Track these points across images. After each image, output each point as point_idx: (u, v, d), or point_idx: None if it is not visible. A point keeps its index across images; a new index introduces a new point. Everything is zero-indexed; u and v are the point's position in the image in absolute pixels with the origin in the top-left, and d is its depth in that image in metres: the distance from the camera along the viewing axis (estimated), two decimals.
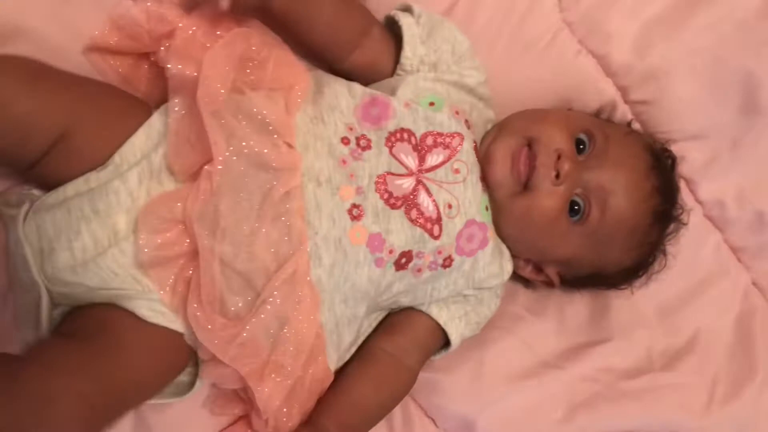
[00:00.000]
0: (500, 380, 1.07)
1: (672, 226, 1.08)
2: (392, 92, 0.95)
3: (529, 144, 0.95)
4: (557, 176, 0.94)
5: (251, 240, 0.83)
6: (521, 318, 1.11)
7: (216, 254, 0.81)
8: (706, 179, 1.14)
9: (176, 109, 0.85)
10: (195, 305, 0.82)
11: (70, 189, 0.84)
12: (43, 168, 0.83)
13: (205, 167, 0.82)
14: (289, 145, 0.86)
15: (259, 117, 0.84)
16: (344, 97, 0.92)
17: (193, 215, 0.81)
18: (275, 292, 0.83)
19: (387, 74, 0.98)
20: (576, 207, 0.97)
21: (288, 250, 0.84)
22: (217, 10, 0.81)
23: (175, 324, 0.85)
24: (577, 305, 1.14)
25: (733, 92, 1.11)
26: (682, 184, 1.15)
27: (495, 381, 1.07)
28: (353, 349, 0.98)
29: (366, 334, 0.99)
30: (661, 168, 1.02)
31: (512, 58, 1.09)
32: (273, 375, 0.86)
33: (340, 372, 0.96)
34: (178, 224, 0.83)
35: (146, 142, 0.86)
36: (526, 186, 0.95)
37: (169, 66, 0.83)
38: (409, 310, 1.00)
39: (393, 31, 0.99)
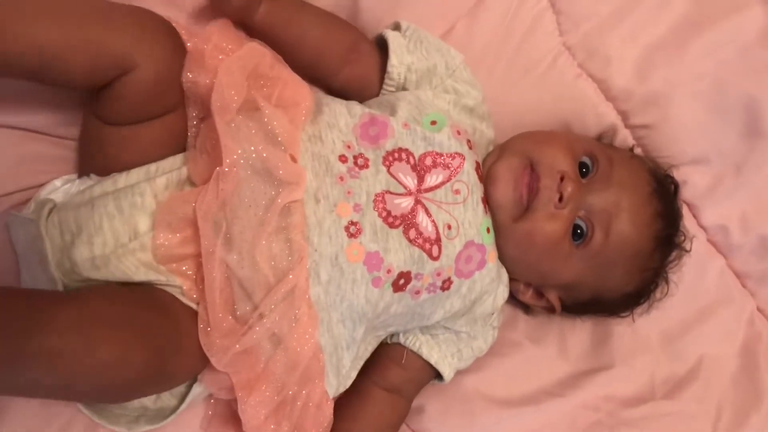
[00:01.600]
0: (496, 405, 1.05)
1: (674, 253, 1.07)
2: (392, 111, 0.94)
3: (532, 165, 0.95)
4: (560, 199, 0.93)
5: (253, 249, 0.82)
6: (520, 345, 1.09)
7: (219, 256, 0.81)
8: (709, 204, 1.13)
9: (194, 122, 0.87)
10: (203, 305, 0.83)
11: (97, 189, 0.85)
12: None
13: (216, 168, 0.82)
14: (294, 159, 0.86)
15: (269, 128, 0.85)
16: (343, 116, 0.92)
17: (199, 213, 0.81)
18: (273, 307, 0.83)
19: (378, 88, 0.99)
20: (579, 231, 0.96)
21: (287, 265, 0.84)
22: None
23: None
24: (579, 332, 1.12)
25: (735, 117, 1.10)
26: (685, 210, 1.14)
27: (490, 406, 1.05)
28: (353, 374, 0.96)
29: (364, 359, 0.98)
30: (664, 193, 1.02)
31: (511, 82, 1.08)
32: (263, 387, 0.85)
33: (338, 415, 0.95)
34: (195, 223, 0.83)
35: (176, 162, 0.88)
36: (528, 208, 0.94)
37: (183, 76, 0.84)
38: (398, 347, 1.00)
39: (383, 48, 0.99)
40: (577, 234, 0.96)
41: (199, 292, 0.84)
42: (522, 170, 0.94)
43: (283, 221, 0.84)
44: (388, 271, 0.88)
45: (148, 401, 0.92)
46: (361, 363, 0.97)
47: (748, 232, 1.13)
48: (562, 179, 0.93)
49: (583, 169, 0.97)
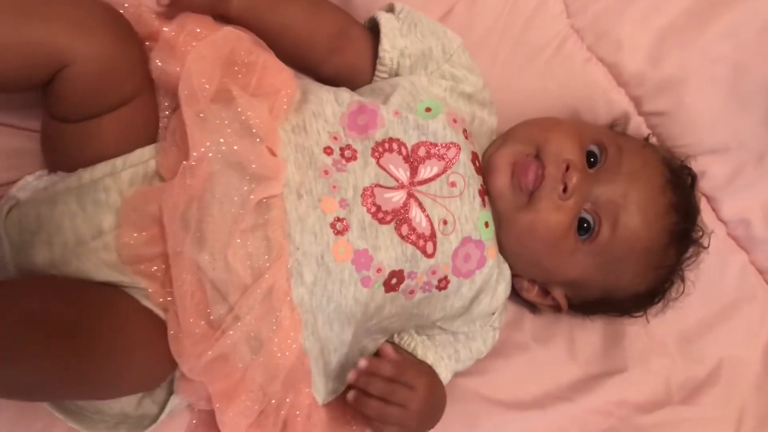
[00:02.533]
0: (499, 409, 1.00)
1: (691, 250, 1.01)
2: (385, 99, 0.89)
3: (537, 153, 0.89)
4: (564, 189, 0.87)
5: (226, 248, 0.77)
6: (526, 347, 1.04)
7: (189, 257, 0.76)
8: (729, 196, 1.08)
9: (166, 113, 0.82)
10: (173, 309, 0.78)
11: (60, 185, 0.80)
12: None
13: (183, 163, 0.77)
14: (272, 152, 0.81)
15: (243, 118, 0.80)
16: (330, 104, 0.87)
17: (165, 210, 0.76)
18: (250, 310, 0.78)
19: (370, 75, 0.94)
20: (585, 224, 0.91)
21: (265, 264, 0.79)
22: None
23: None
24: (589, 333, 1.07)
25: (756, 102, 1.04)
26: (703, 202, 1.08)
27: (493, 410, 1.00)
28: (345, 383, 0.90)
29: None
30: (678, 184, 0.96)
31: (515, 68, 1.04)
32: (243, 397, 0.80)
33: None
34: (160, 223, 0.79)
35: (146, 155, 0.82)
36: (531, 198, 0.89)
37: (152, 64, 0.80)
38: (395, 347, 0.94)
39: (375, 32, 0.93)
40: (583, 228, 0.91)
41: (168, 296, 0.79)
42: (524, 157, 0.89)
43: (260, 218, 0.79)
44: (379, 270, 0.83)
45: (130, 408, 0.87)
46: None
47: None
48: (567, 168, 0.88)
49: (591, 159, 0.92)
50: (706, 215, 1.06)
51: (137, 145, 0.81)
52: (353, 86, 0.94)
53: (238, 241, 0.78)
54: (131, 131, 0.81)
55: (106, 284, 0.79)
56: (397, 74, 0.93)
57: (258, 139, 0.80)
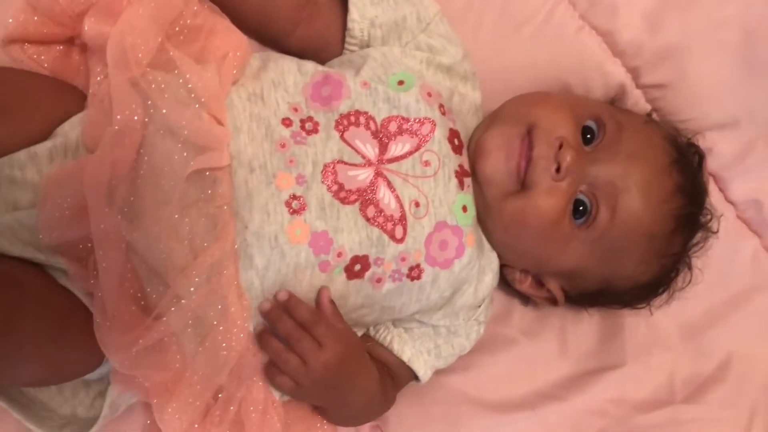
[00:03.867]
0: (485, 410, 0.95)
1: (699, 235, 0.93)
2: (356, 71, 0.84)
3: (528, 132, 0.82)
4: (558, 170, 0.80)
5: (162, 225, 0.71)
6: (514, 341, 0.98)
7: (117, 235, 0.70)
8: (739, 175, 1.01)
9: (97, 78, 0.76)
10: (99, 295, 0.71)
11: None
12: None
13: (107, 129, 0.70)
14: (218, 121, 0.75)
15: (182, 81, 0.74)
16: (292, 74, 0.81)
17: (86, 184, 0.70)
18: (190, 293, 0.72)
19: (340, 48, 0.88)
20: (581, 207, 0.83)
21: (207, 243, 0.73)
22: None
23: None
24: (584, 325, 1.00)
25: (766, 70, 0.96)
26: (710, 182, 1.01)
27: (478, 410, 0.95)
28: None
29: None
30: (685, 164, 0.88)
31: (501, 39, 0.97)
32: (184, 391, 0.74)
33: None
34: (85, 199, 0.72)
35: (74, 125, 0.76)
36: (523, 183, 0.82)
37: (85, 24, 0.74)
38: (370, 341, 0.89)
39: (344, 1, 0.87)
40: (579, 212, 0.83)
41: (92, 278, 0.72)
42: (516, 138, 0.82)
43: (203, 192, 0.72)
44: (339, 255, 0.77)
45: (82, 409, 0.83)
46: None
47: None
48: (560, 147, 0.80)
49: (588, 135, 0.85)
50: (713, 196, 1.00)
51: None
52: (321, 60, 0.88)
53: (176, 217, 0.71)
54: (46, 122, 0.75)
55: (18, 259, 0.73)
56: (367, 46, 0.87)
57: (197, 105, 0.73)
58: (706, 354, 1.00)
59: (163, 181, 0.71)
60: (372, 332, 0.89)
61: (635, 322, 0.99)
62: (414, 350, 0.88)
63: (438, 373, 0.91)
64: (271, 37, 0.88)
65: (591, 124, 0.85)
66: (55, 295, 0.73)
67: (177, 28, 0.76)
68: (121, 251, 0.70)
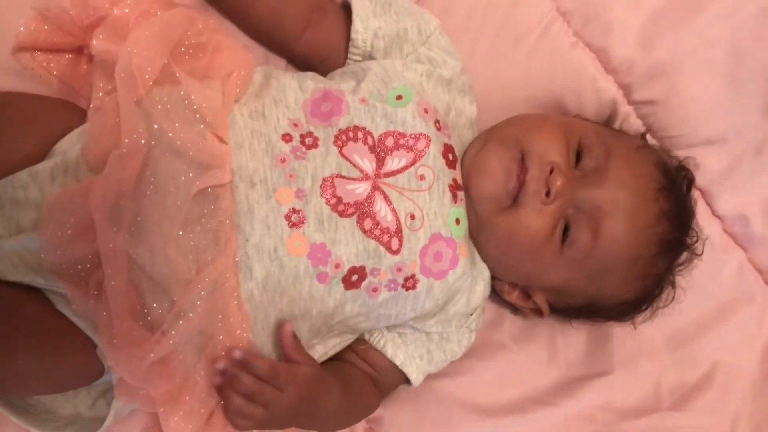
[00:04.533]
0: (476, 414, 0.96)
1: (684, 256, 0.96)
2: (357, 84, 0.85)
3: (521, 155, 0.85)
4: (547, 193, 0.83)
5: (167, 241, 0.73)
6: (505, 347, 1.00)
7: (122, 252, 0.72)
8: (726, 190, 1.02)
9: (99, 94, 0.78)
10: (104, 314, 0.73)
11: None
12: None
13: (114, 152, 0.72)
14: (220, 139, 0.77)
15: (187, 102, 0.76)
16: (293, 91, 0.83)
17: (93, 204, 0.71)
18: (194, 306, 0.73)
19: (344, 57, 0.89)
20: (569, 229, 0.86)
21: (210, 257, 0.75)
22: None
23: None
24: (573, 333, 1.01)
25: (754, 90, 0.98)
26: (698, 197, 1.03)
27: (469, 414, 0.96)
28: None
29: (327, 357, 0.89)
30: (673, 190, 0.90)
31: (498, 54, 0.98)
32: (187, 399, 0.76)
33: None
34: (88, 219, 0.73)
35: (72, 142, 0.78)
36: (513, 202, 0.84)
37: (93, 43, 0.76)
38: (364, 344, 0.90)
39: (349, 13, 0.89)
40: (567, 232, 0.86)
41: (92, 298, 0.74)
42: (511, 162, 0.85)
43: (206, 208, 0.74)
44: (337, 266, 0.79)
45: (83, 408, 0.85)
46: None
47: None
48: (551, 171, 0.83)
49: (579, 159, 0.87)
50: (700, 211, 1.02)
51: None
52: (325, 68, 0.90)
53: (181, 233, 0.73)
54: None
55: (15, 285, 0.75)
56: (371, 57, 0.89)
57: (202, 125, 0.75)
58: (692, 363, 1.02)
59: (169, 199, 0.73)
60: (366, 336, 0.91)
61: (623, 332, 1.00)
62: (407, 355, 0.90)
63: (431, 377, 0.92)
64: (278, 40, 0.90)
65: (582, 148, 0.86)
66: (51, 318, 0.75)
67: (182, 48, 0.78)
68: (125, 269, 0.72)
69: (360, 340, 0.91)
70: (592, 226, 0.85)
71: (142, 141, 0.72)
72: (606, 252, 0.86)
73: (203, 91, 0.76)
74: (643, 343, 1.01)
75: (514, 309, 1.00)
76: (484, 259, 0.89)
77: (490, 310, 0.99)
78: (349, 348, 0.91)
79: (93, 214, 0.71)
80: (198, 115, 0.75)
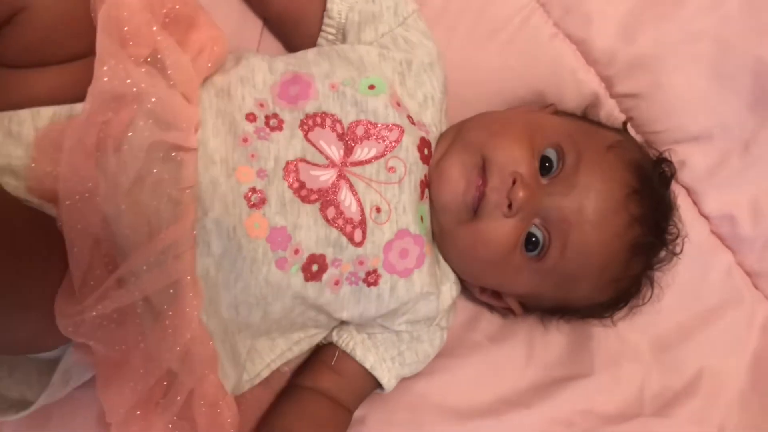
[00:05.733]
0: (448, 416, 0.92)
1: (664, 254, 0.93)
2: (330, 70, 0.83)
3: (484, 164, 0.81)
4: (510, 206, 0.79)
5: (129, 198, 0.70)
6: (479, 346, 0.96)
7: (93, 201, 0.69)
8: (713, 189, 0.99)
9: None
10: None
11: None
12: None
13: (89, 88, 0.70)
14: (188, 100, 0.74)
15: (160, 57, 0.73)
16: (262, 72, 0.81)
17: (66, 143, 0.69)
18: (143, 271, 0.70)
19: (317, 27, 0.88)
20: (534, 238, 0.82)
21: (168, 223, 0.71)
22: None
23: None
24: (552, 332, 0.98)
25: (741, 83, 0.95)
26: (683, 195, 1.00)
27: (441, 416, 0.92)
28: (263, 372, 0.83)
29: (286, 359, 0.85)
30: (646, 193, 0.85)
31: (475, 45, 0.96)
32: (129, 374, 0.72)
33: (271, 413, 0.87)
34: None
35: None
36: (474, 214, 0.81)
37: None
38: (332, 347, 0.88)
39: None
40: (533, 243, 0.82)
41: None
42: (472, 169, 0.81)
43: (167, 172, 0.71)
44: (296, 252, 0.76)
45: (30, 394, 0.79)
46: (279, 364, 0.85)
47: (760, 222, 0.98)
48: (514, 182, 0.80)
49: (546, 164, 0.83)
50: (686, 210, 0.98)
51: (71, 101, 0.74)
52: (299, 39, 0.89)
53: (144, 194, 0.70)
54: (70, 88, 0.74)
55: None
56: (344, 32, 0.87)
57: (173, 84, 0.73)
58: (677, 368, 0.98)
59: (135, 151, 0.70)
60: (335, 338, 0.88)
61: (604, 333, 0.97)
62: (377, 357, 0.86)
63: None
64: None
65: (550, 153, 0.83)
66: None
67: (164, 11, 0.76)
68: (99, 215, 0.69)
69: (330, 345, 0.88)
70: (558, 237, 0.81)
71: (128, 81, 0.70)
72: (574, 262, 0.83)
73: (179, 53, 0.74)
74: (627, 345, 0.97)
75: (491, 306, 0.97)
76: (450, 267, 0.87)
77: (466, 307, 0.96)
78: (317, 358, 0.88)
79: (66, 154, 0.69)
80: (170, 72, 0.73)
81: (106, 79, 0.70)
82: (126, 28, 0.72)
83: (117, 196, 0.69)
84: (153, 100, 0.71)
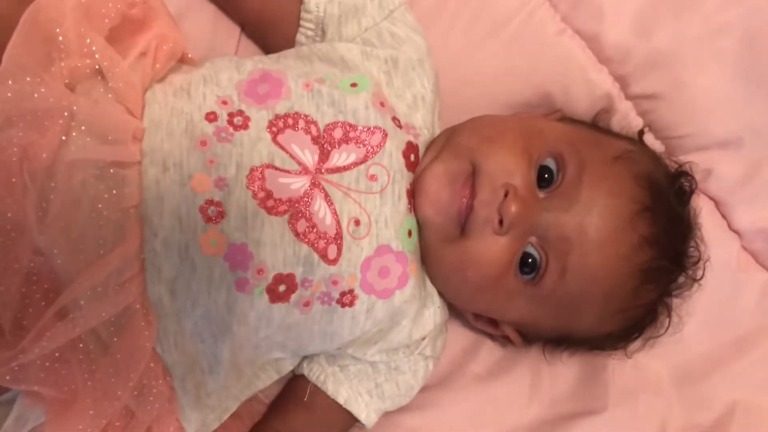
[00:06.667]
0: None
1: (681, 279, 0.84)
2: (311, 66, 0.77)
3: (473, 171, 0.73)
4: (501, 222, 0.71)
5: (59, 225, 0.64)
6: (479, 379, 0.89)
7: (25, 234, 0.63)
8: (744, 201, 0.91)
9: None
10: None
11: None
12: None
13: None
14: (131, 113, 0.68)
15: (98, 68, 0.68)
16: (227, 71, 0.75)
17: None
18: (85, 299, 0.64)
19: (296, 25, 0.81)
20: (530, 260, 0.74)
21: (109, 247, 0.65)
22: None
23: None
24: (560, 364, 0.89)
25: None
26: (711, 208, 0.92)
27: None
28: (231, 406, 0.76)
29: (252, 390, 0.78)
30: (659, 210, 0.76)
31: (475, 43, 0.89)
32: (78, 416, 0.66)
33: None
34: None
35: None
36: (462, 230, 0.73)
37: None
38: (305, 380, 0.80)
39: None
40: (528, 264, 0.74)
41: None
42: (460, 178, 0.73)
43: (107, 192, 0.65)
44: (260, 272, 0.68)
45: None
46: (248, 395, 0.78)
47: None
48: (506, 195, 0.71)
49: (546, 175, 0.74)
50: (714, 225, 0.90)
51: None
52: (278, 39, 0.83)
53: (82, 219, 0.64)
54: None
55: None
56: (323, 26, 0.80)
57: (110, 95, 0.67)
58: (705, 403, 0.90)
59: (60, 174, 0.64)
60: (305, 371, 0.80)
61: (620, 363, 0.88)
62: (351, 391, 0.79)
63: (390, 412, 0.81)
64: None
65: (550, 163, 0.75)
66: None
67: (107, 20, 0.70)
68: (30, 247, 0.63)
69: (300, 377, 0.81)
70: (557, 259, 0.73)
71: (57, 106, 0.64)
72: (575, 287, 0.74)
73: (115, 62, 0.68)
74: (645, 376, 0.89)
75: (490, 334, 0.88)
76: (436, 288, 0.79)
77: (465, 335, 0.89)
78: (290, 393, 0.81)
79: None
80: (111, 84, 0.67)
81: (9, 94, 0.63)
82: (60, 39, 0.66)
83: (48, 225, 0.63)
84: (80, 116, 0.64)
